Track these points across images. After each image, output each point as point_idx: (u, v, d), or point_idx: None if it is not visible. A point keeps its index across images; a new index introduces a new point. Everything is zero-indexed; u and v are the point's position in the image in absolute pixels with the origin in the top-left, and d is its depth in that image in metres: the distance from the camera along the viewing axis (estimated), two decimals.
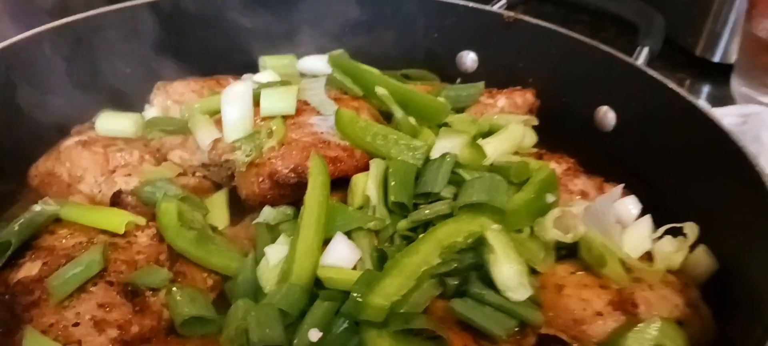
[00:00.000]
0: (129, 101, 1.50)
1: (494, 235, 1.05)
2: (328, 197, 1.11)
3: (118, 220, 1.10)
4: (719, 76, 2.23)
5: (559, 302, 1.08)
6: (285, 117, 1.25)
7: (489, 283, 1.04)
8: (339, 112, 1.21)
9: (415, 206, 1.16)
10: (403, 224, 1.14)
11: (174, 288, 1.03)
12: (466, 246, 1.07)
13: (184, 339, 1.00)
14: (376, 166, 1.18)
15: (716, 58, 2.27)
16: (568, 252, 1.19)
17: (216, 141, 1.24)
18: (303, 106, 1.29)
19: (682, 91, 1.33)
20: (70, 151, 1.32)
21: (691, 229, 1.17)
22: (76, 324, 0.96)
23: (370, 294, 0.96)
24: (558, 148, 1.46)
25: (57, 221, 1.15)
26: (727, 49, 2.24)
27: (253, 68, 1.63)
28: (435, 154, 1.21)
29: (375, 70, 1.42)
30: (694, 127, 1.28)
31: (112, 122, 1.36)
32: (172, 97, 1.48)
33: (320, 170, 1.12)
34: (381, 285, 0.98)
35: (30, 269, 1.05)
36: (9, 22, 1.61)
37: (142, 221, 1.12)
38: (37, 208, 1.13)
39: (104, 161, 1.31)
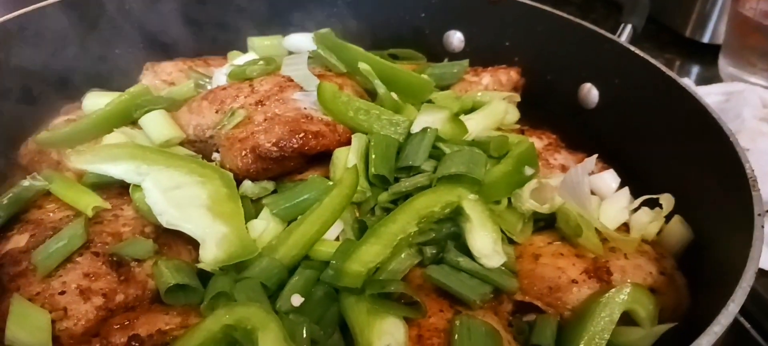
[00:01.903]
0: (118, 82, 1.52)
1: (470, 204, 1.07)
2: (346, 210, 1.12)
3: (86, 202, 1.12)
4: (708, 56, 2.25)
5: (535, 271, 1.10)
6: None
7: (465, 251, 1.06)
8: (321, 87, 1.21)
9: (397, 180, 1.18)
10: (383, 197, 1.16)
11: (160, 259, 1.06)
12: (443, 216, 1.09)
13: (166, 307, 1.02)
14: (357, 140, 1.19)
15: (705, 39, 2.29)
16: (546, 224, 1.21)
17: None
18: (286, 82, 1.29)
19: (663, 67, 1.34)
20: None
21: (666, 200, 1.19)
22: (62, 292, 0.98)
23: (348, 261, 0.99)
24: (542, 125, 1.48)
25: (47, 195, 1.17)
26: (715, 29, 2.27)
27: (243, 48, 1.64)
28: (416, 128, 1.23)
29: (359, 48, 1.43)
30: (674, 102, 1.30)
31: (99, 101, 1.36)
32: (161, 77, 1.51)
33: (350, 183, 1.12)
34: (358, 252, 1.00)
35: (18, 240, 1.08)
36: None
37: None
38: (25, 183, 1.16)
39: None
